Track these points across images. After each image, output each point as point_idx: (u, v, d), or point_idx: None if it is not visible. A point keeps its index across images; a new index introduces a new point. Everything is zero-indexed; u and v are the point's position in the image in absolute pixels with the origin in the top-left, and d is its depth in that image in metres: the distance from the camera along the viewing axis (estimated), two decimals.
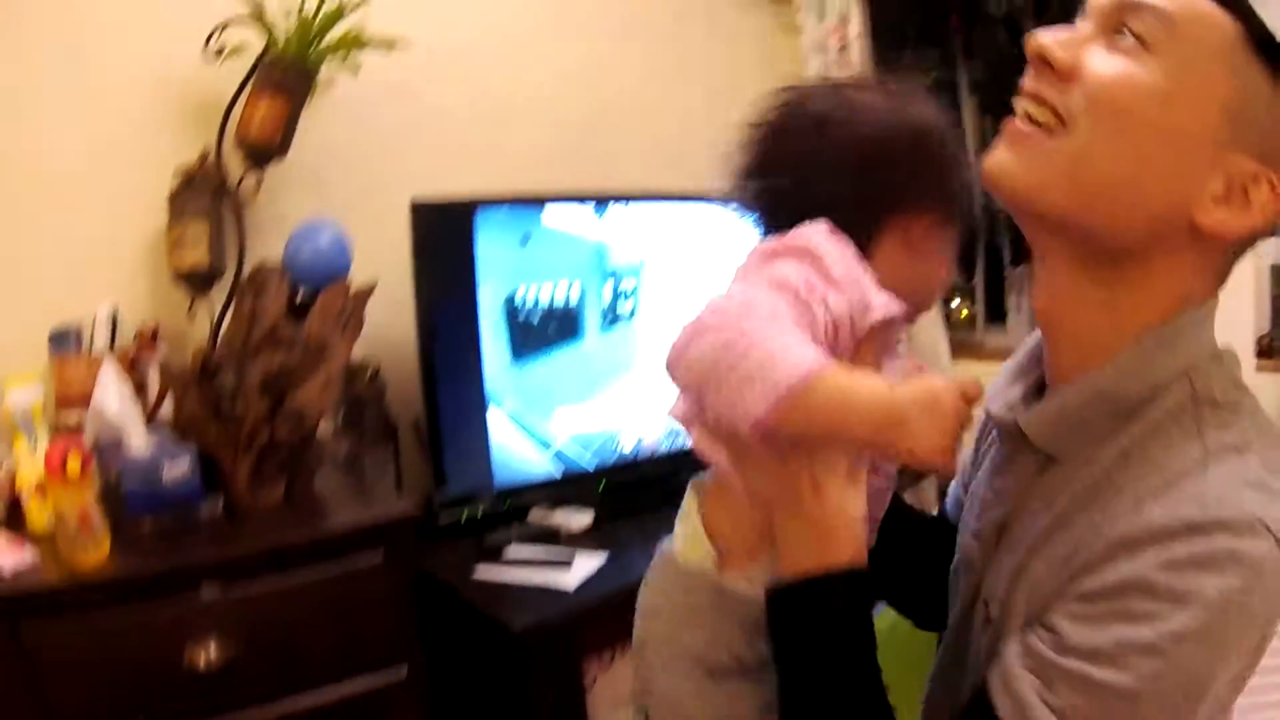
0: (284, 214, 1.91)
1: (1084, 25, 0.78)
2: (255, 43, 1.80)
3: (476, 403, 1.87)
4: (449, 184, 2.04)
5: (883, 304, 0.77)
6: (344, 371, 1.64)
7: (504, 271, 1.89)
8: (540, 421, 1.98)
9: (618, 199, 2.08)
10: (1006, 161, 0.77)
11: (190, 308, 1.82)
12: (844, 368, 0.70)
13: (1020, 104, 0.78)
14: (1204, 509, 0.69)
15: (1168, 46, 0.73)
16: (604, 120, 2.47)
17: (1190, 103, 0.72)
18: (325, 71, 1.84)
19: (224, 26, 1.79)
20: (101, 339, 1.76)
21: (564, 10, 2.43)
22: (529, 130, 2.34)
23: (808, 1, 2.87)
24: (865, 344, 0.78)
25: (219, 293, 1.83)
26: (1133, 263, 0.77)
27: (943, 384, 0.71)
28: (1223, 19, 0.73)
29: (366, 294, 1.67)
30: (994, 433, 0.95)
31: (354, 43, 1.83)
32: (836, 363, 0.70)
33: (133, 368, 1.74)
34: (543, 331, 1.96)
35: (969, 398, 0.72)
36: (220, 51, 1.80)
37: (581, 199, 2.03)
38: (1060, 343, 0.83)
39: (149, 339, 1.78)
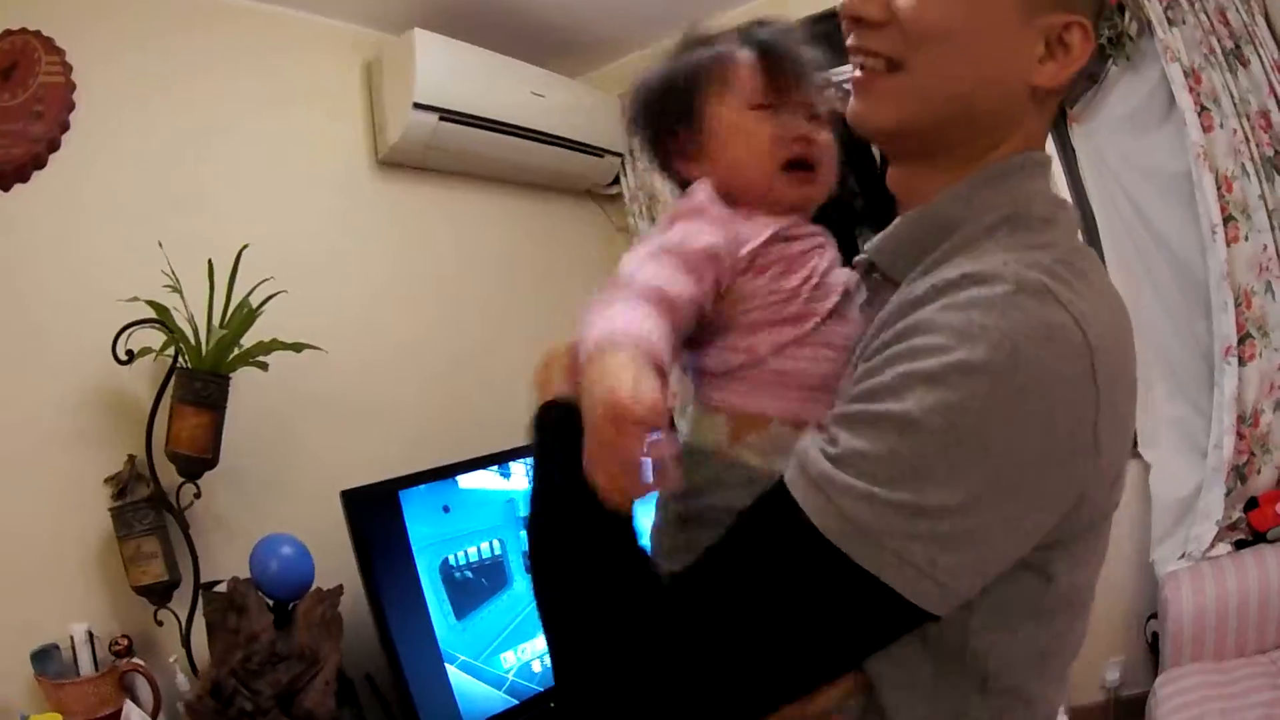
0: (221, 515, 2.13)
1: None
2: (159, 339, 1.98)
3: (433, 659, 2.13)
4: (370, 472, 2.28)
5: (752, 231, 0.92)
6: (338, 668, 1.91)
7: (434, 540, 2.19)
8: (490, 663, 2.23)
9: (516, 456, 2.40)
10: (861, 108, 0.86)
11: (155, 617, 2.01)
12: (631, 354, 0.75)
13: (855, 61, 0.87)
14: (986, 266, 0.74)
15: None
16: (496, 388, 2.77)
17: (990, 2, 0.80)
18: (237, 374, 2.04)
19: (129, 329, 1.96)
20: (85, 659, 1.90)
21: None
22: (438, 408, 2.64)
23: (636, 206, 3.27)
24: (759, 268, 0.92)
25: (179, 598, 2.02)
26: (985, 137, 0.85)
27: (606, 407, 0.71)
28: None
29: (338, 595, 1.94)
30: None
31: (268, 348, 2.06)
32: (624, 348, 0.76)
33: (121, 685, 1.90)
34: (477, 587, 2.25)
35: (625, 419, 0.71)
36: (130, 356, 1.97)
37: (486, 464, 2.35)
38: (912, 197, 0.90)
39: (125, 651, 1.94)
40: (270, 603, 1.91)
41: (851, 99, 0.88)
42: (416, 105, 2.47)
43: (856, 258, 0.96)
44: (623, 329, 0.78)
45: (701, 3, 2.70)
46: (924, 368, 0.69)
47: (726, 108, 0.99)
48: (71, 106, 2.22)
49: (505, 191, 3.10)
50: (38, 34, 2.20)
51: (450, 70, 2.51)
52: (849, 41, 0.87)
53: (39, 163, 2.17)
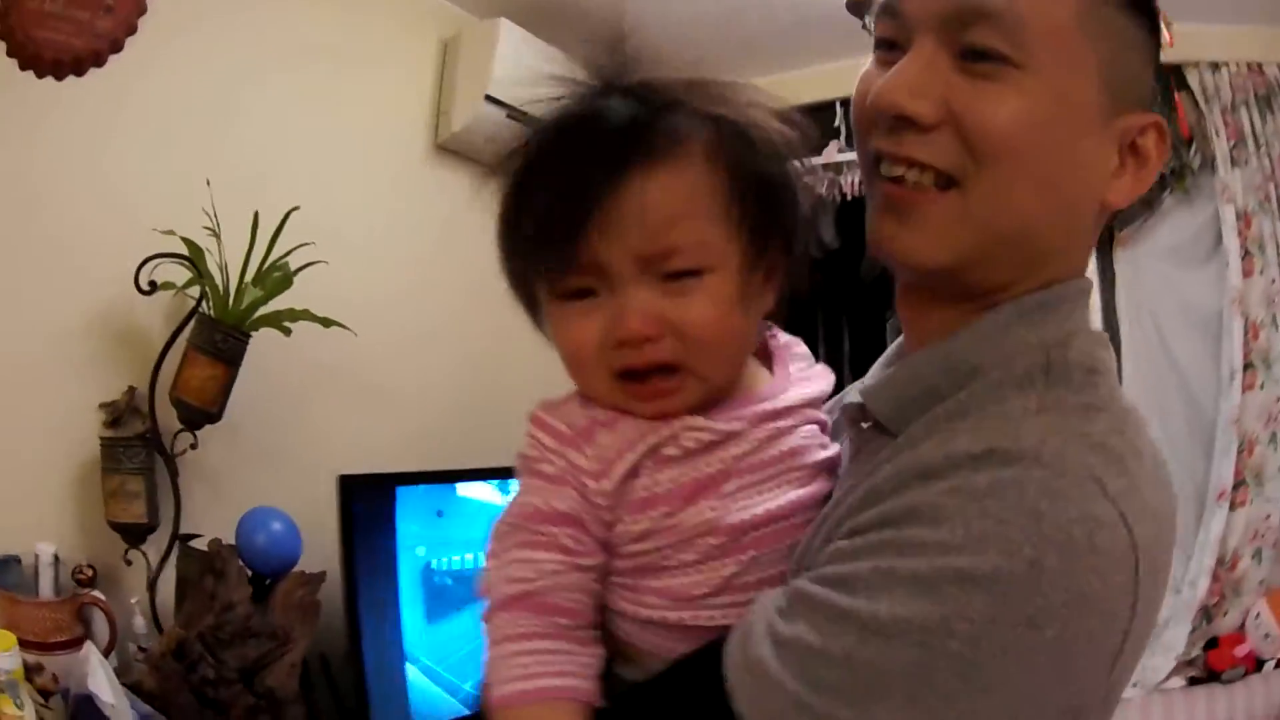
0: (212, 471, 2.08)
1: (918, 49, 0.68)
2: (184, 275, 1.92)
3: (396, 655, 2.11)
4: (371, 460, 2.25)
5: (614, 450, 0.72)
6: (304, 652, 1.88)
7: (421, 541, 2.17)
8: (452, 671, 2.21)
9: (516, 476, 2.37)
10: (907, 238, 0.69)
11: (125, 556, 1.96)
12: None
13: (891, 169, 0.69)
14: (1018, 441, 0.60)
15: (1031, 52, 0.65)
16: (513, 398, 2.74)
17: (1074, 102, 0.67)
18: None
19: (157, 261, 1.91)
20: (47, 582, 1.85)
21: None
22: (451, 408, 2.60)
23: None
24: (633, 507, 0.72)
25: (152, 542, 1.97)
26: (1036, 268, 0.70)
27: None
28: None
29: (319, 581, 1.91)
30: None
31: (298, 316, 2.01)
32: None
33: (79, 615, 1.86)
34: (455, 595, 2.22)
35: None
36: (152, 287, 1.92)
37: (488, 476, 2.32)
38: (924, 332, 0.75)
39: (89, 582, 1.88)
40: (249, 574, 1.87)
41: (889, 221, 0.70)
42: (488, 98, 2.43)
43: (844, 401, 0.81)
44: (521, 692, 0.68)
45: (764, 48, 2.76)
46: (911, 568, 0.57)
47: (540, 291, 0.75)
48: (143, 10, 2.13)
49: None
50: None
51: (527, 68, 2.44)
52: (880, 144, 0.70)
53: (98, 59, 2.09)
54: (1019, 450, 0.59)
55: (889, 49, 0.72)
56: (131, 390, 1.98)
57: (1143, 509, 0.60)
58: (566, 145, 0.71)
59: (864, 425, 0.75)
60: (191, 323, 1.95)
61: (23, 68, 2.01)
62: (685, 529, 0.71)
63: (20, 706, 1.62)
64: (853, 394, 0.82)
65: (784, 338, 0.83)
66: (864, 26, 0.79)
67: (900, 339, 0.82)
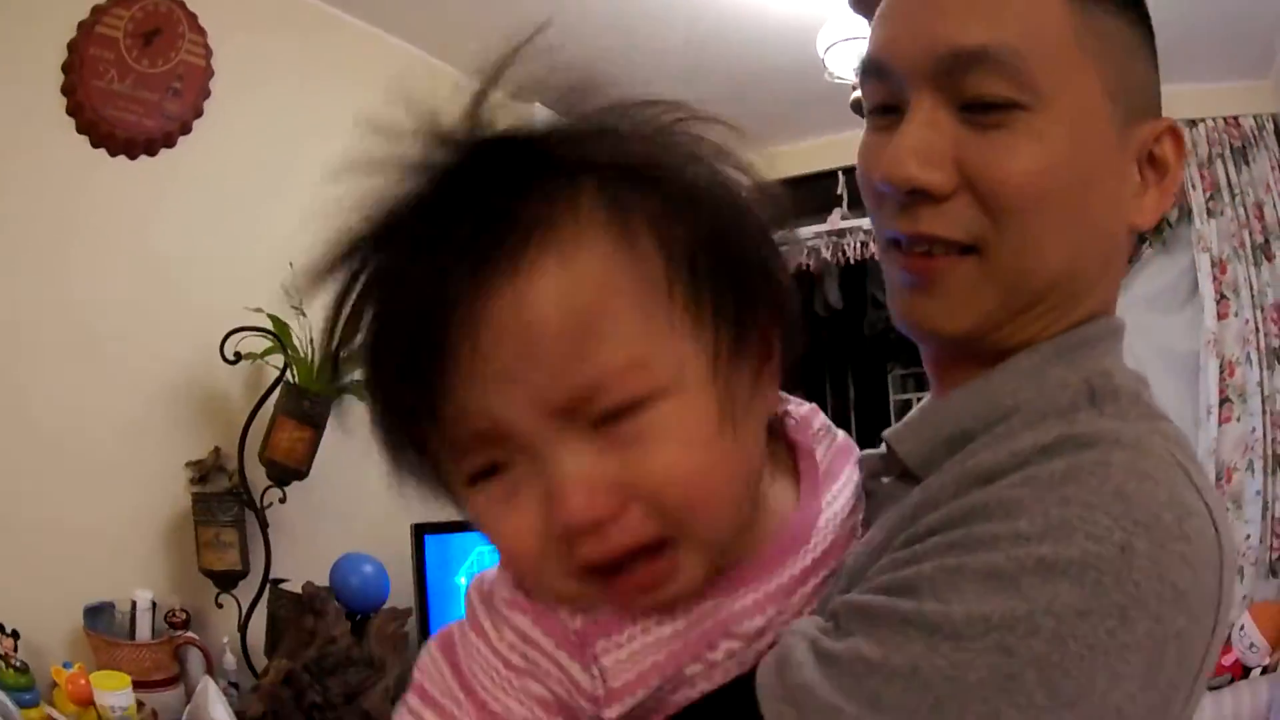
0: (298, 522, 2.26)
1: (916, 109, 0.61)
2: (263, 345, 2.07)
3: None
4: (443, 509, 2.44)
5: (606, 694, 0.53)
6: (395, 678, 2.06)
7: None
8: None
9: None
10: (935, 309, 0.63)
11: (216, 600, 2.14)
12: None
13: (913, 248, 0.63)
14: (1093, 427, 0.54)
15: (1036, 89, 0.59)
16: None
17: (1089, 129, 0.61)
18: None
19: (242, 334, 2.07)
20: (145, 625, 2.00)
21: None
22: None
23: None
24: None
25: (242, 587, 2.15)
26: (1070, 307, 0.64)
27: None
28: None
29: (407, 616, 2.10)
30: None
31: None
32: None
33: (175, 654, 2.02)
34: None
35: None
36: (237, 357, 2.09)
37: None
38: (953, 380, 0.67)
39: (182, 624, 2.05)
40: (344, 611, 2.05)
41: (912, 295, 0.64)
42: None
43: (864, 454, 0.69)
44: None
45: (769, 120, 2.91)
46: (985, 562, 0.49)
47: (444, 470, 0.54)
48: (208, 93, 2.26)
49: None
50: (182, 5, 2.22)
51: None
52: (897, 225, 0.62)
53: (169, 141, 2.21)
54: (1096, 434, 0.53)
55: (884, 113, 0.65)
56: (217, 450, 2.16)
57: (1223, 511, 0.54)
58: (405, 251, 0.49)
59: (884, 480, 0.67)
60: (278, 390, 2.12)
61: (94, 145, 2.12)
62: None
63: None
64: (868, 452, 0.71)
65: (798, 411, 0.65)
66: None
67: (925, 400, 0.73)
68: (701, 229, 0.50)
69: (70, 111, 2.10)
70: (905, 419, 0.68)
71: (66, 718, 1.80)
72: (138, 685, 1.88)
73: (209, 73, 2.29)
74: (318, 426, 2.11)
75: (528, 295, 0.46)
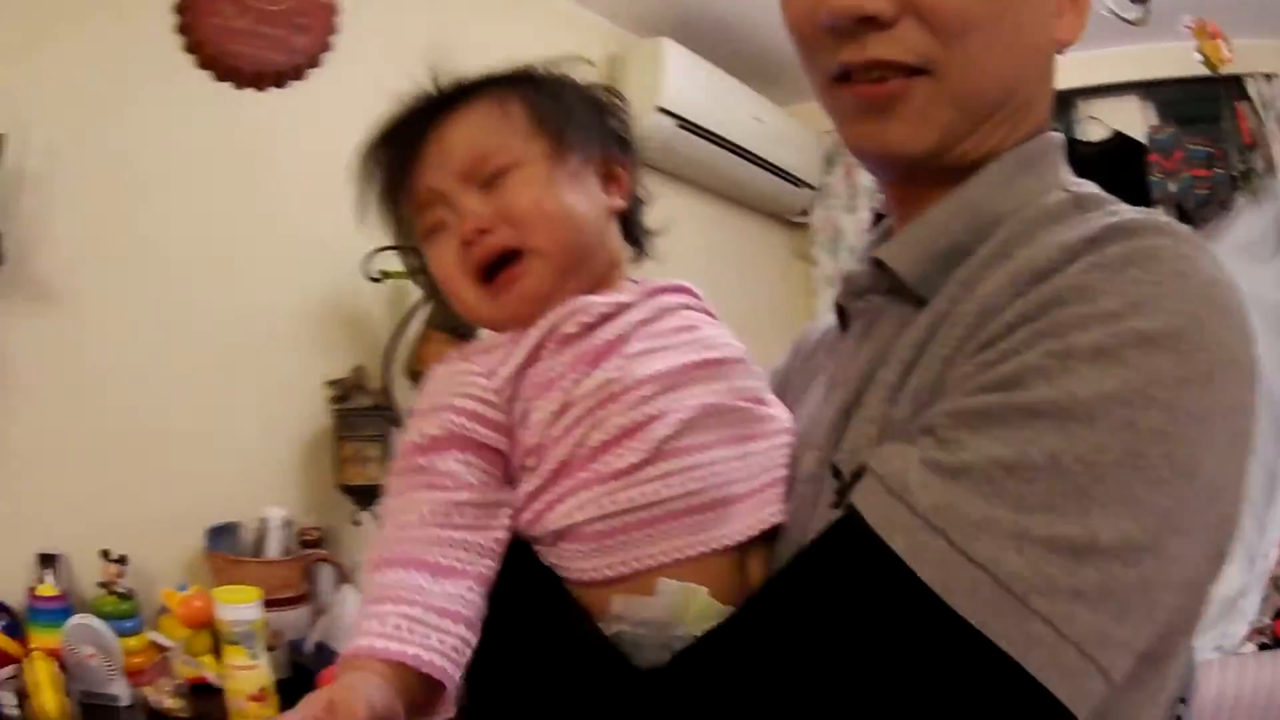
0: None
1: None
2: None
3: None
4: None
5: (490, 366, 0.75)
6: None
7: None
8: None
9: None
10: (896, 131, 0.66)
11: (354, 518, 2.14)
12: (372, 680, 0.59)
13: (863, 75, 0.66)
14: (1129, 216, 0.58)
15: None
16: None
17: None
18: None
19: (385, 251, 2.05)
20: (276, 543, 1.98)
21: None
22: None
23: (822, 238, 3.51)
24: (527, 398, 0.73)
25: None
26: (1018, 122, 0.69)
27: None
28: None
29: None
30: (815, 346, 0.86)
31: None
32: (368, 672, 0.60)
33: (305, 573, 2.00)
34: None
35: None
36: (382, 275, 2.10)
37: None
38: (917, 205, 0.70)
39: (315, 543, 2.04)
40: None
41: (870, 121, 0.67)
42: (659, 109, 2.65)
43: (846, 273, 0.77)
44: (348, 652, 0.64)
45: None
46: (1089, 341, 0.50)
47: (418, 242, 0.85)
48: (335, 29, 2.28)
49: (703, 199, 3.31)
50: None
51: (692, 83, 2.72)
52: (844, 56, 0.65)
53: (297, 74, 2.23)
54: (1137, 223, 0.56)
55: None
56: (359, 369, 2.17)
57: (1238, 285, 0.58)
58: (401, 120, 0.83)
59: (872, 298, 0.72)
60: (428, 306, 2.14)
61: (219, 79, 2.14)
62: (597, 391, 0.70)
63: (255, 657, 1.68)
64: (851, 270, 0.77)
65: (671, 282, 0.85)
66: None
67: (883, 223, 0.79)
68: (549, 93, 0.82)
69: (190, 49, 2.11)
70: (889, 242, 0.72)
71: (175, 643, 1.75)
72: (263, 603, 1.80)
73: (333, 10, 2.30)
74: (466, 338, 2.10)
75: (450, 131, 0.79)
